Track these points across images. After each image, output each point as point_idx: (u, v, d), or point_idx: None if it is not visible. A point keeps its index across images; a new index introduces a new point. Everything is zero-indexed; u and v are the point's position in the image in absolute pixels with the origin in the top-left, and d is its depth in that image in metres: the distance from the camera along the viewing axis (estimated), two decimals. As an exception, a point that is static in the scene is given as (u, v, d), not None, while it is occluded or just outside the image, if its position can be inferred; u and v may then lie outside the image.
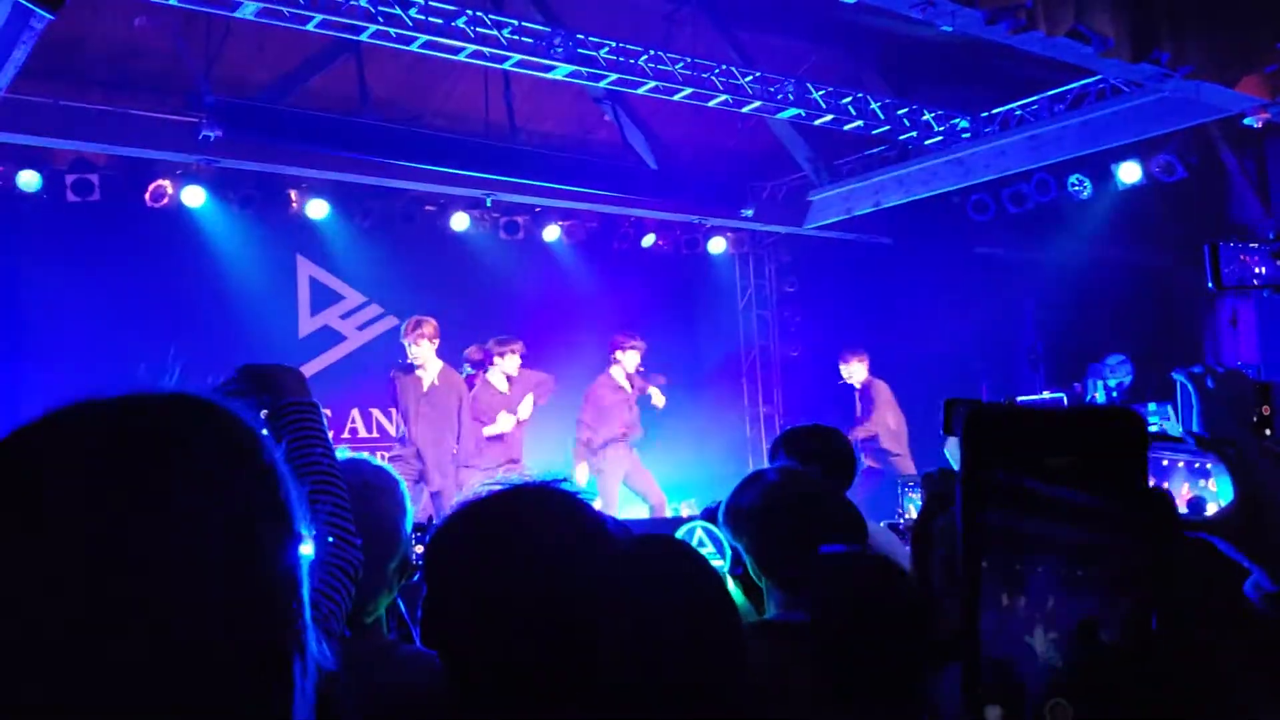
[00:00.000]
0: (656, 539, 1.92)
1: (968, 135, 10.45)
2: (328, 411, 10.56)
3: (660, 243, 12.52)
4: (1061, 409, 0.91)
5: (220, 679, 0.88)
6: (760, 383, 13.54)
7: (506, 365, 9.23)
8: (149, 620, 0.86)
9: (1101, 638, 0.83)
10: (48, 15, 5.69)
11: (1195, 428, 2.13)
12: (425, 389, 8.67)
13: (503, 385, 9.23)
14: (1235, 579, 1.68)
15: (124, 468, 0.90)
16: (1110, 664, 0.83)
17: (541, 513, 1.72)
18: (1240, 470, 1.77)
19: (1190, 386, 2.12)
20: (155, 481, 0.90)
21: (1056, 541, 0.84)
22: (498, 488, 1.77)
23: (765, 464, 3.41)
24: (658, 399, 9.76)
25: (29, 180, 9.34)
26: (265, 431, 1.04)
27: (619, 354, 9.80)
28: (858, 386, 10.61)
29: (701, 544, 2.80)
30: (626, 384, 9.80)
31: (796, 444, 3.67)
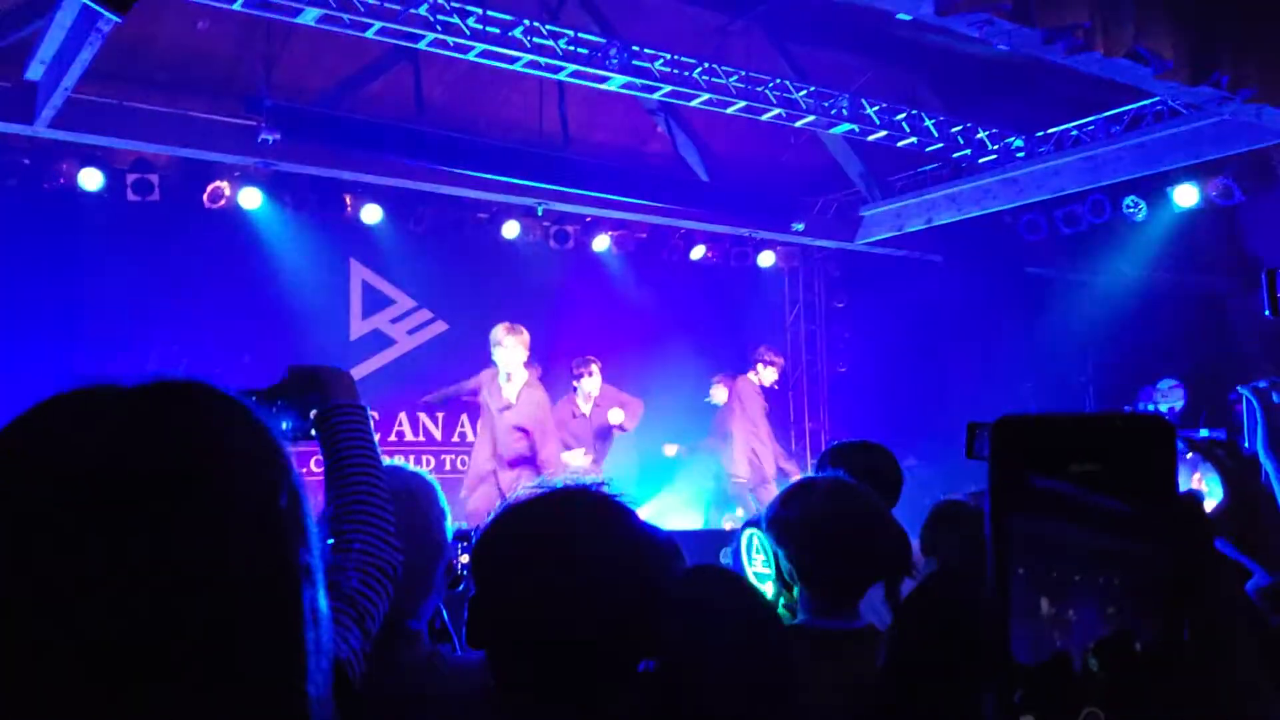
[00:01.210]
0: (709, 571, 1.94)
1: (1022, 154, 10.38)
2: (375, 414, 10.66)
3: (710, 255, 12.52)
4: (1089, 415, 0.91)
5: (236, 650, 0.93)
6: (807, 398, 13.49)
7: (586, 386, 9.35)
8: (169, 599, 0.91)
9: (1136, 647, 0.83)
10: (115, 18, 5.79)
11: (1260, 442, 2.14)
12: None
13: (585, 406, 9.46)
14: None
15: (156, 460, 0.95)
16: (1145, 673, 0.83)
17: (588, 514, 1.74)
18: (1228, 470, 1.82)
19: (1255, 401, 2.12)
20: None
21: (1090, 549, 0.84)
22: (542, 489, 1.79)
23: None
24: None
25: (91, 179, 9.50)
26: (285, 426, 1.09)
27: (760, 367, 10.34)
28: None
29: (759, 550, 2.80)
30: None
31: (843, 458, 3.66)
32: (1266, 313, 2.48)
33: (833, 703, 2.16)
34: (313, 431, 2.07)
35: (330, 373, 2.11)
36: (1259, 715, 1.15)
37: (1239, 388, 2.23)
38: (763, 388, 10.53)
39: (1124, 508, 0.85)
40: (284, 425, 2.09)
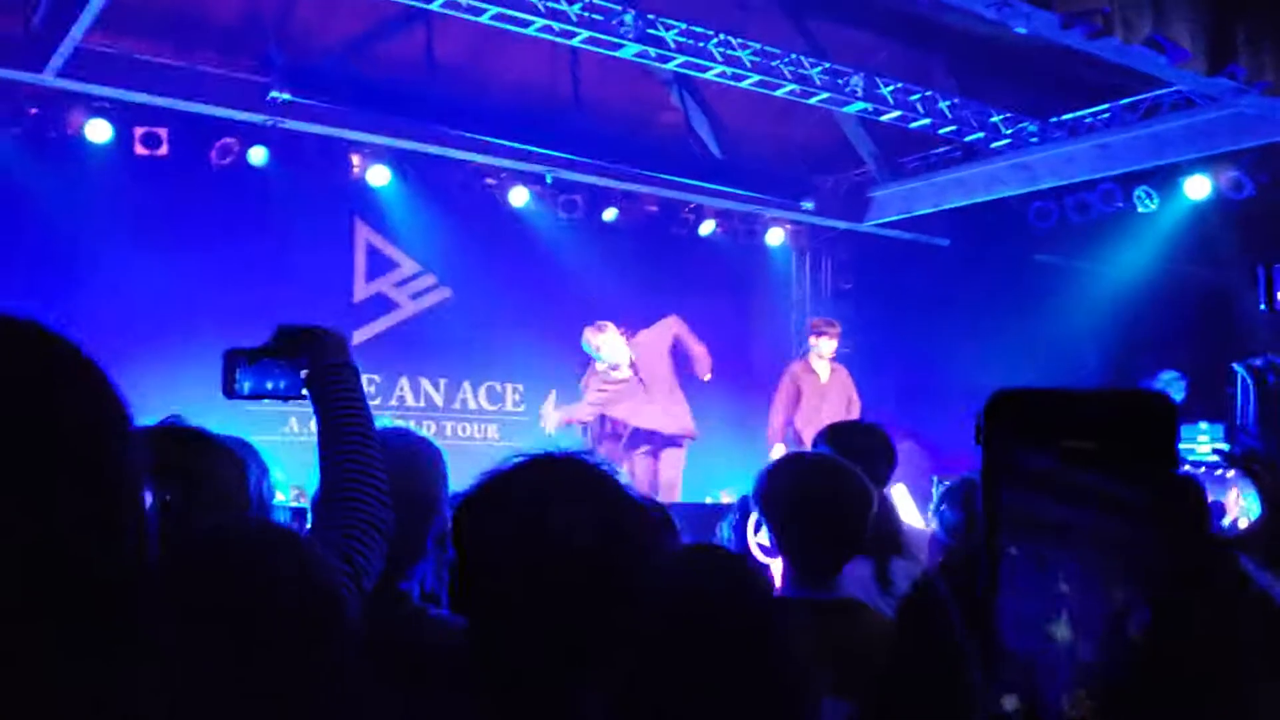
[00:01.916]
0: (703, 551, 1.93)
1: (1035, 140, 10.32)
2: (377, 378, 10.62)
3: (718, 230, 12.47)
4: (1087, 390, 0.88)
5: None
6: (809, 377, 13.44)
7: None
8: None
9: (1129, 631, 0.81)
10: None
11: (1251, 421, 2.12)
12: None
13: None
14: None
15: None
16: (1136, 658, 0.81)
17: (573, 481, 1.71)
18: (1268, 484, 1.77)
19: (1250, 380, 2.11)
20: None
21: (1084, 529, 0.82)
22: (522, 456, 1.76)
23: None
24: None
25: (98, 130, 9.46)
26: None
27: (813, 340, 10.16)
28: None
29: (758, 528, 2.83)
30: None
31: (840, 439, 3.68)
32: (1261, 306, 2.46)
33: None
34: (304, 390, 2.06)
35: (323, 332, 2.10)
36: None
37: (1234, 365, 2.21)
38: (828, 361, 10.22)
39: (1122, 488, 0.83)
40: (280, 384, 2.08)
